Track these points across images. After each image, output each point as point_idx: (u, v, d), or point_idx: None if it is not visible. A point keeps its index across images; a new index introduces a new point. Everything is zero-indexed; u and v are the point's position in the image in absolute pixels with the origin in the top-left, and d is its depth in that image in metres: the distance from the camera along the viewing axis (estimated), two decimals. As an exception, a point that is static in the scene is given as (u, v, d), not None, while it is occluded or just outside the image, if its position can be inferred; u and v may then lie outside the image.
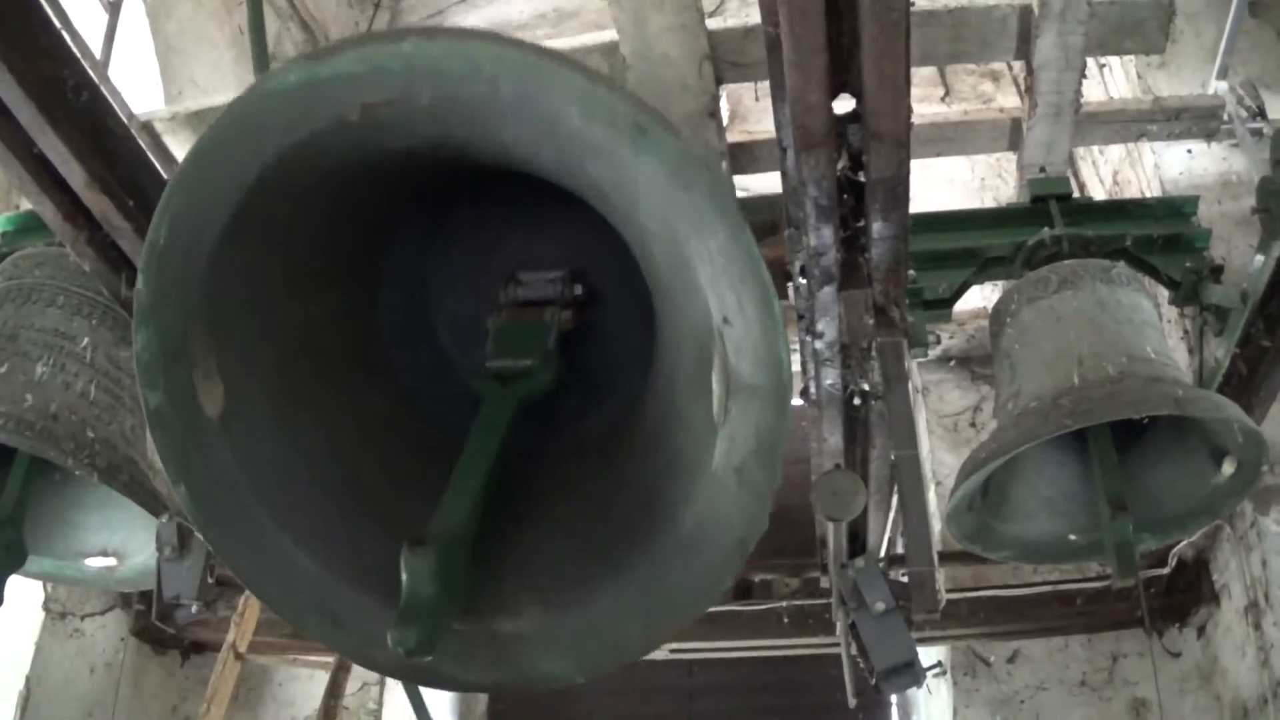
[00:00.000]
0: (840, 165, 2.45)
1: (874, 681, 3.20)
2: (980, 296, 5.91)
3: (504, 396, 2.56)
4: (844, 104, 2.34)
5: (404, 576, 2.11)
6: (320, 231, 2.47)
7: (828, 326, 2.90)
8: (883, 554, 4.26)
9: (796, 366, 2.96)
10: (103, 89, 2.83)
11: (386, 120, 2.09)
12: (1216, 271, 4.00)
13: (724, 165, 4.51)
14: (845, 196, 2.55)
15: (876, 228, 2.57)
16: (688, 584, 2.33)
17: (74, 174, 2.74)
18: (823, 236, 2.59)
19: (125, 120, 2.94)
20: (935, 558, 2.56)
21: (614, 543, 2.42)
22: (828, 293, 2.77)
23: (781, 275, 3.23)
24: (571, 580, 2.42)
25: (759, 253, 2.05)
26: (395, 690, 6.67)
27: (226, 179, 2.16)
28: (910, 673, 3.12)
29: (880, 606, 3.15)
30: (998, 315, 3.91)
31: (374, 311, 2.81)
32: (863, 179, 2.47)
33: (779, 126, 2.54)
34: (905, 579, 2.93)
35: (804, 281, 2.87)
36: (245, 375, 2.40)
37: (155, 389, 2.30)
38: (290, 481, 2.48)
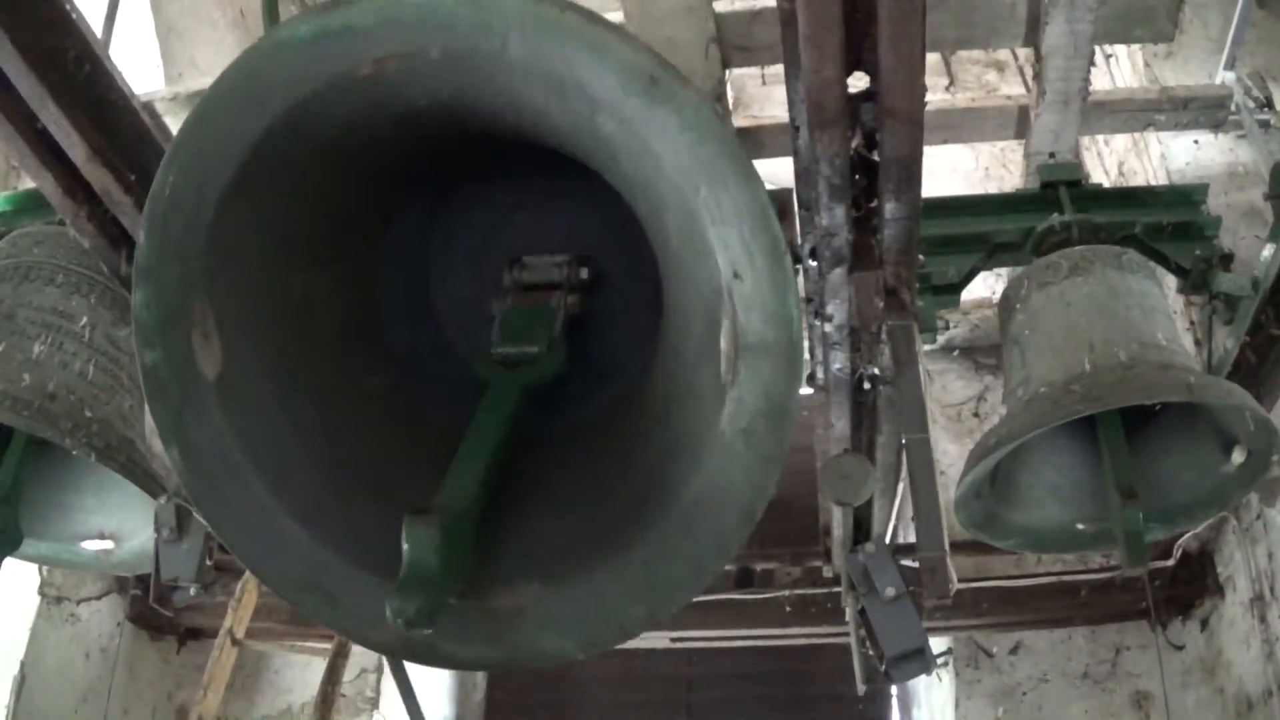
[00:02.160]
0: (854, 144, 2.42)
1: (883, 668, 3.17)
2: (985, 286, 5.90)
3: (510, 381, 2.53)
4: (858, 82, 2.30)
5: (405, 546, 2.08)
6: (323, 200, 2.44)
7: (837, 309, 2.86)
8: (888, 543, 4.23)
9: (806, 352, 2.94)
10: (105, 64, 2.80)
11: (396, 76, 2.07)
12: (1226, 259, 3.97)
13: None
14: (858, 177, 2.51)
15: (889, 208, 2.53)
16: (691, 556, 2.29)
17: (75, 147, 2.70)
18: (835, 216, 2.55)
19: (127, 96, 2.88)
20: (946, 542, 2.52)
21: (617, 519, 2.39)
22: (838, 274, 2.73)
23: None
24: (573, 557, 2.39)
25: (771, 204, 2.03)
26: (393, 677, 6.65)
27: (232, 135, 2.14)
28: (920, 660, 3.10)
29: (890, 592, 3.12)
30: (1007, 301, 3.87)
31: (375, 288, 2.79)
32: (876, 158, 2.43)
33: (791, 104, 2.51)
34: (914, 566, 2.90)
35: (813, 264, 2.83)
36: (243, 341, 2.36)
37: (152, 347, 2.27)
38: (286, 452, 2.44)
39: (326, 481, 2.50)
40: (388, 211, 2.73)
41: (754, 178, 2.03)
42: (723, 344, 2.15)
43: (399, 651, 2.59)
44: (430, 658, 2.52)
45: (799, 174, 2.63)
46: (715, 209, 2.05)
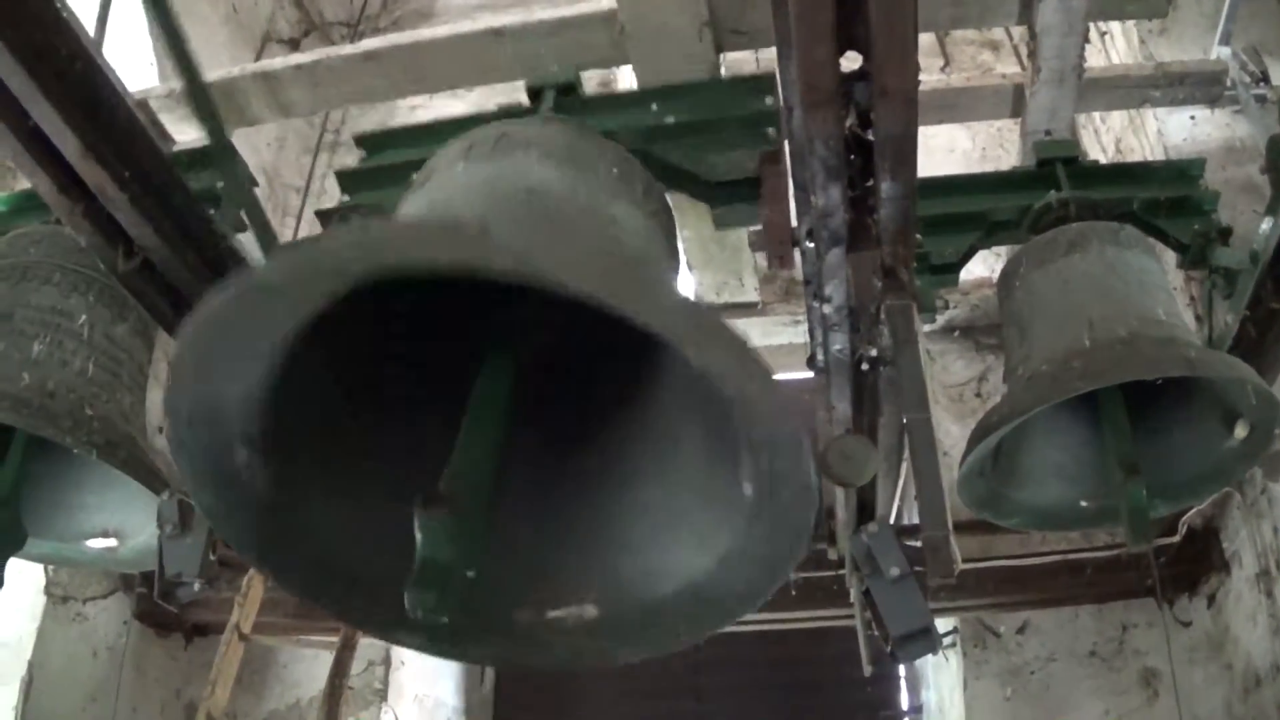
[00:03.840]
0: (848, 123, 2.41)
1: (889, 649, 3.17)
2: (984, 266, 5.89)
3: (503, 356, 2.51)
4: (851, 62, 2.30)
5: (418, 536, 2.07)
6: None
7: (835, 290, 2.86)
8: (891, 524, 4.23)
9: (804, 335, 2.93)
10: (97, 61, 2.79)
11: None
12: (1225, 234, 3.96)
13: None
14: (853, 157, 2.51)
15: (885, 187, 2.53)
16: (732, 595, 2.38)
17: (68, 144, 2.70)
18: (830, 197, 2.55)
19: (121, 93, 2.88)
20: (950, 522, 2.51)
21: (672, 555, 2.40)
22: (835, 255, 2.73)
23: (786, 240, 3.20)
24: (622, 585, 2.42)
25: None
26: (400, 670, 6.67)
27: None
28: (926, 639, 3.09)
29: (895, 572, 3.11)
30: (1006, 279, 3.87)
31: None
32: (871, 137, 2.43)
33: (785, 85, 2.50)
34: (917, 547, 2.90)
35: (810, 246, 2.83)
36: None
37: (204, 492, 2.24)
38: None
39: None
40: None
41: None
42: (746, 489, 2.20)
43: (409, 642, 2.56)
44: (442, 650, 2.51)
45: (793, 155, 2.63)
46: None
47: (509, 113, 3.62)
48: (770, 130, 3.41)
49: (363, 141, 4.03)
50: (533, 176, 2.69)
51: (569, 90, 3.64)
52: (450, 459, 2.23)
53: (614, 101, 3.80)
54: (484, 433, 2.31)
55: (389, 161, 3.89)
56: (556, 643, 2.41)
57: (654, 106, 3.64)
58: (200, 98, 3.15)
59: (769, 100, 3.49)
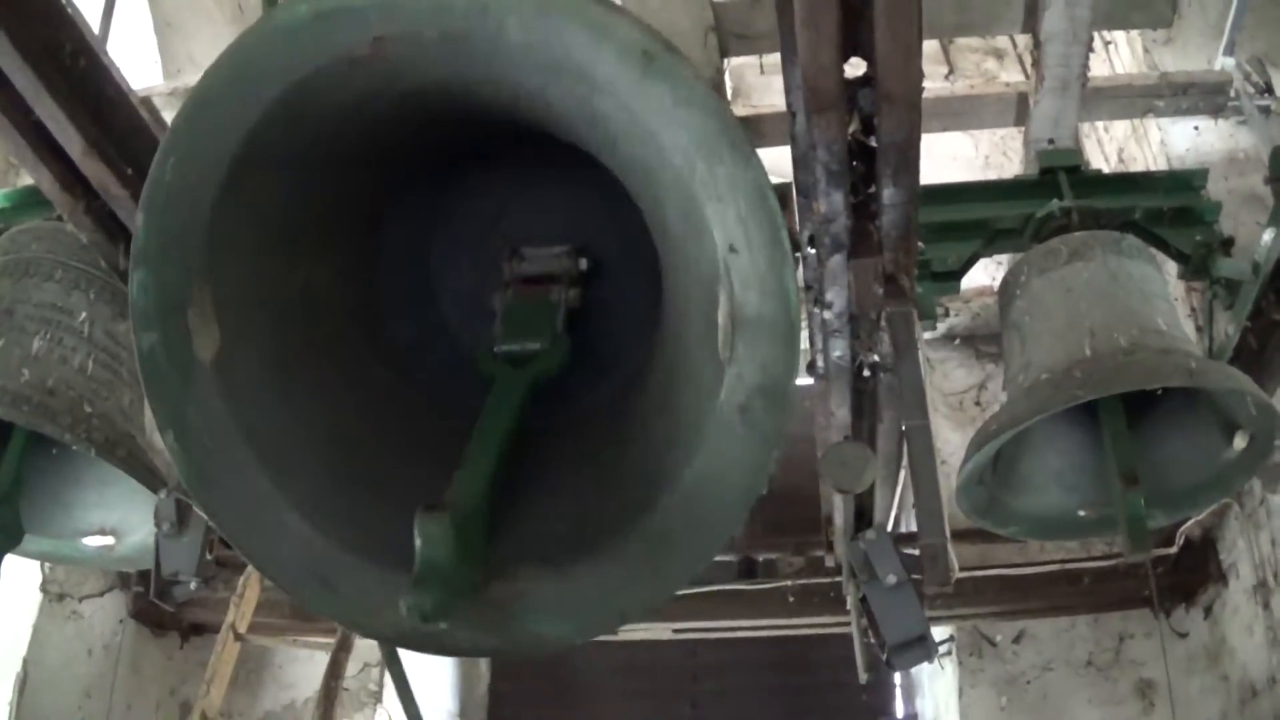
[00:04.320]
0: (851, 129, 2.41)
1: (885, 656, 3.17)
2: (985, 274, 5.89)
3: (516, 379, 2.53)
4: (855, 68, 2.30)
5: (418, 541, 2.07)
6: (322, 187, 2.43)
7: (836, 296, 2.86)
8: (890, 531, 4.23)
9: (804, 341, 2.93)
10: (101, 58, 2.79)
11: (393, 58, 2.07)
12: (1227, 244, 3.96)
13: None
14: (856, 163, 2.50)
15: (887, 194, 2.52)
16: (689, 539, 2.29)
17: (71, 141, 2.70)
18: (833, 202, 2.54)
19: (124, 90, 2.88)
20: (947, 529, 2.51)
21: (616, 504, 2.39)
22: (837, 261, 2.73)
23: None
24: (573, 543, 2.39)
25: (767, 180, 2.02)
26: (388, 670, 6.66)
27: (230, 120, 2.14)
28: (922, 647, 3.09)
29: (892, 579, 3.11)
30: (1007, 287, 3.87)
31: (375, 279, 2.78)
32: (874, 143, 2.43)
33: (789, 90, 2.50)
34: (915, 554, 2.90)
35: (812, 251, 2.82)
36: (242, 327, 2.35)
37: (149, 330, 2.26)
38: (285, 441, 2.43)
39: (328, 472, 2.49)
40: (386, 200, 2.72)
41: (751, 154, 2.03)
42: (720, 319, 2.15)
43: (399, 641, 2.59)
44: (430, 646, 2.52)
45: (797, 160, 2.62)
46: (712, 185, 2.05)
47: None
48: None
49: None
50: None
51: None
52: (457, 469, 2.24)
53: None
54: (491, 446, 2.32)
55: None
56: (507, 617, 2.40)
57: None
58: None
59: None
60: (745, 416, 2.18)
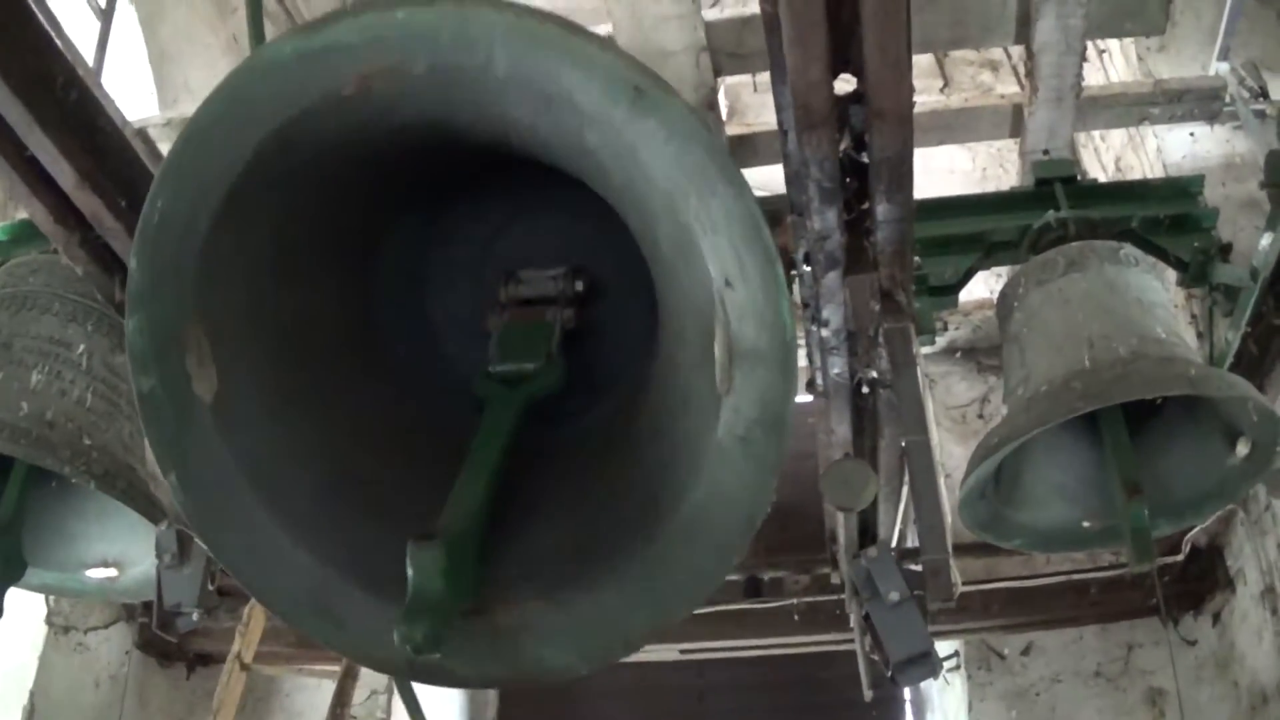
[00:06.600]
0: (843, 146, 2.40)
1: (889, 673, 3.15)
2: (985, 287, 5.89)
3: (509, 399, 2.53)
4: (845, 84, 2.29)
5: (410, 572, 2.07)
6: (315, 218, 2.44)
7: (833, 314, 2.85)
8: (894, 547, 4.22)
9: (803, 359, 2.93)
10: (93, 90, 2.79)
11: (382, 93, 2.06)
12: (1225, 250, 3.96)
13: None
14: (848, 179, 2.50)
15: (881, 210, 2.52)
16: (693, 566, 2.29)
17: (64, 174, 2.69)
18: (826, 220, 2.54)
19: (118, 123, 2.87)
20: (949, 545, 2.50)
21: (617, 531, 2.39)
22: (833, 278, 2.72)
23: (786, 265, 3.18)
24: (574, 571, 2.39)
25: (760, 211, 2.02)
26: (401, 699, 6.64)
27: (221, 158, 2.13)
28: (926, 663, 3.08)
29: (894, 596, 3.10)
30: (1005, 300, 3.86)
31: (370, 304, 2.78)
32: (866, 160, 2.42)
33: (779, 109, 2.50)
34: (918, 570, 2.89)
35: (808, 269, 2.82)
36: (239, 362, 2.35)
37: (147, 373, 2.26)
38: (285, 473, 2.43)
39: (327, 501, 2.49)
40: (381, 228, 2.73)
41: (743, 186, 2.03)
42: (717, 352, 2.15)
43: (403, 671, 2.59)
44: (435, 677, 2.51)
45: (789, 178, 2.62)
46: (705, 218, 2.05)
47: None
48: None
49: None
50: None
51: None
52: (449, 496, 2.24)
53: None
54: (483, 471, 2.31)
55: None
56: (512, 648, 2.39)
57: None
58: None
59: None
60: (745, 448, 2.18)
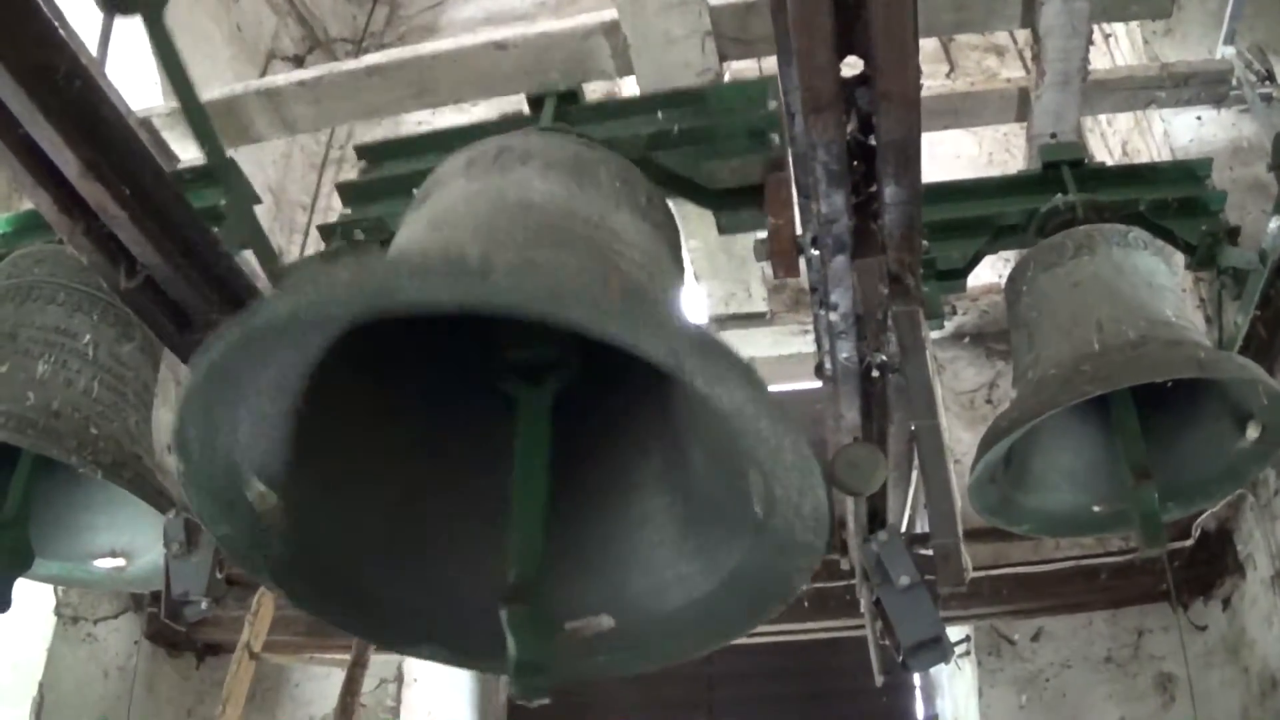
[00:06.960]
0: (850, 129, 2.40)
1: (900, 658, 3.14)
2: (993, 272, 5.87)
3: (538, 399, 2.47)
4: (851, 67, 2.28)
5: (508, 636, 2.10)
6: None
7: (841, 298, 2.84)
8: (903, 532, 4.21)
9: (811, 343, 2.91)
10: (97, 79, 2.78)
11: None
12: (1233, 233, 3.94)
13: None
14: (856, 162, 2.49)
15: (889, 192, 2.51)
16: (742, 608, 2.37)
17: (68, 163, 2.68)
18: (834, 203, 2.53)
19: (122, 112, 2.86)
20: (960, 529, 2.50)
21: (658, 579, 2.41)
22: (840, 262, 2.71)
23: (791, 248, 3.17)
24: (623, 604, 2.41)
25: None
26: (413, 687, 6.64)
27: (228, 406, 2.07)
28: (938, 648, 3.06)
29: (904, 581, 3.09)
30: (1013, 284, 3.85)
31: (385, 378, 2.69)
32: (873, 142, 2.42)
33: (786, 92, 2.49)
34: (928, 555, 2.88)
35: (815, 253, 2.81)
36: (293, 476, 2.31)
37: (218, 524, 2.23)
38: (351, 543, 2.43)
39: (386, 553, 2.46)
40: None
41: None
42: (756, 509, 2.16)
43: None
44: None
45: (796, 161, 2.62)
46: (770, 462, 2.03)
47: (511, 122, 3.60)
48: (773, 136, 3.37)
49: (363, 153, 4.02)
50: (534, 191, 2.60)
51: (570, 98, 3.62)
52: (511, 539, 2.24)
53: (615, 109, 3.75)
54: (534, 498, 2.30)
55: (390, 173, 3.88)
56: (575, 652, 2.41)
57: (659, 114, 3.59)
58: (196, 115, 3.14)
59: (771, 104, 3.45)
60: (784, 555, 2.24)
